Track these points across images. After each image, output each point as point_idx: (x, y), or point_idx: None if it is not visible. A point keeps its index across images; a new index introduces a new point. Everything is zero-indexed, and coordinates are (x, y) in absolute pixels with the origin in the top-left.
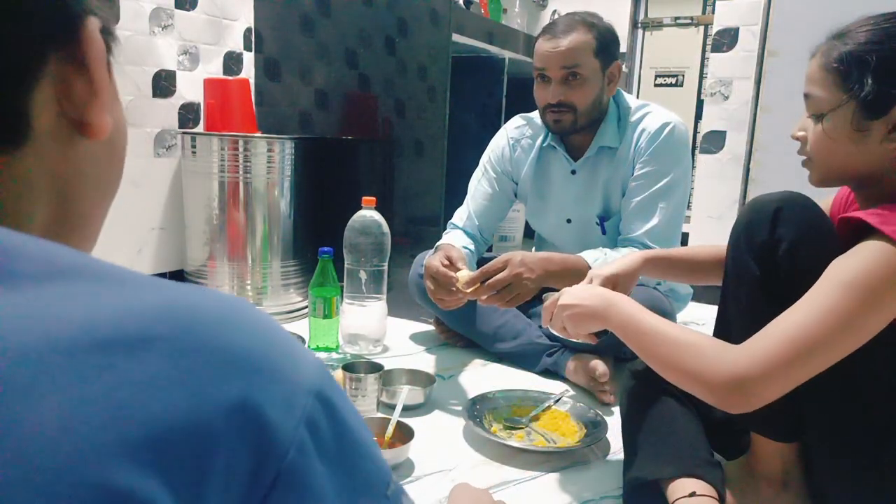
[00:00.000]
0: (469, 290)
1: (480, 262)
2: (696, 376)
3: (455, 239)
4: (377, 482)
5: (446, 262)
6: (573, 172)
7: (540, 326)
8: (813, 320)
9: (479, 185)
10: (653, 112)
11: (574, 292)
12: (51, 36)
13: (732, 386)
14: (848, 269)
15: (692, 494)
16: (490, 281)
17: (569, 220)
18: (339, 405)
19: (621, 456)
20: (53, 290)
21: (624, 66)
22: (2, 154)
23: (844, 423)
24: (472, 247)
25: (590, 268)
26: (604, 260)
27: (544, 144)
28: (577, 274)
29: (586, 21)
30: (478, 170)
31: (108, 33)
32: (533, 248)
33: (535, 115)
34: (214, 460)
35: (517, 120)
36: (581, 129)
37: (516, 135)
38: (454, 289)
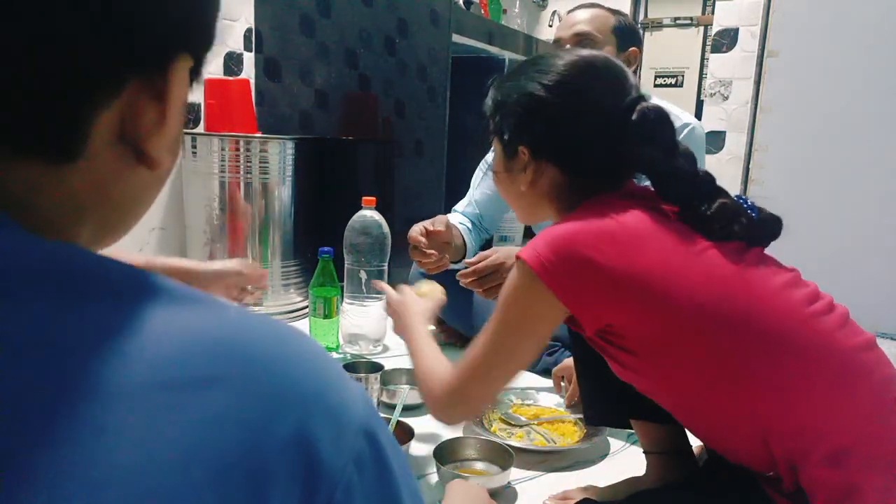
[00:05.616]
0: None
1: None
2: (427, 395)
3: (453, 218)
4: None
5: (429, 226)
6: None
7: None
8: (485, 342)
9: (484, 176)
10: (672, 113)
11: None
12: (140, 62)
13: (444, 400)
14: (500, 296)
15: None
16: (478, 266)
17: None
18: (384, 443)
19: (621, 456)
20: (113, 314)
21: None
22: (52, 166)
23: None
24: (469, 225)
25: None
26: None
27: None
28: None
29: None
30: (481, 164)
31: (196, 73)
32: None
33: None
34: (271, 494)
35: None
36: None
37: None
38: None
